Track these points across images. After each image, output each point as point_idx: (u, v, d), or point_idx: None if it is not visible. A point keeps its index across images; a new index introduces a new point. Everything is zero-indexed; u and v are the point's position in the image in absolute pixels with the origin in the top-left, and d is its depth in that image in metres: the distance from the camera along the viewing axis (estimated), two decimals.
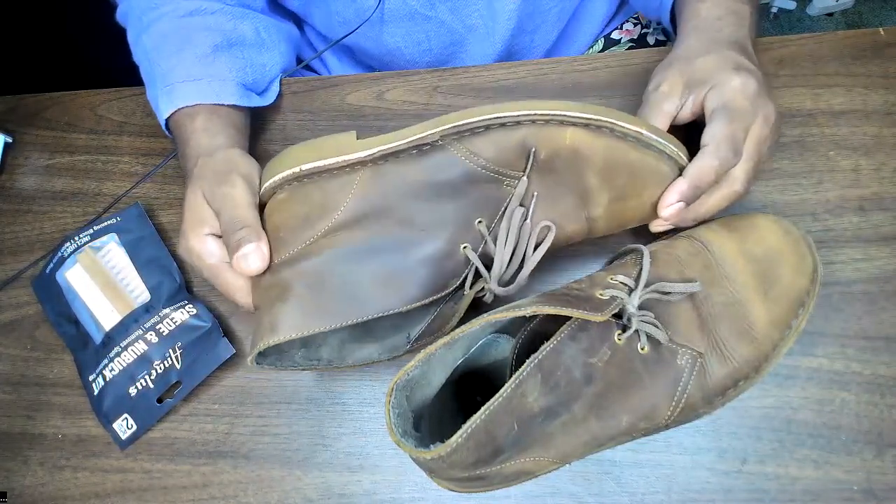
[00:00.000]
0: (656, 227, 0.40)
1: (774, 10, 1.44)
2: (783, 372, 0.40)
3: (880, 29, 0.49)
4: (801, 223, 0.44)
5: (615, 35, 0.66)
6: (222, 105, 0.48)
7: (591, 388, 0.32)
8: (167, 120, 0.48)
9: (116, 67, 0.58)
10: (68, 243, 0.49)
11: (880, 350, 0.40)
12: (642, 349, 0.34)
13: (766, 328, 0.36)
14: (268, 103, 0.53)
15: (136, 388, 0.44)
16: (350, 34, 0.55)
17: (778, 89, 0.48)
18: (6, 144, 0.56)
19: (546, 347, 0.32)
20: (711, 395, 0.35)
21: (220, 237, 0.40)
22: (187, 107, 0.47)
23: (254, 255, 0.38)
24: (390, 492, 0.41)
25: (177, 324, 0.45)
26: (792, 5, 1.43)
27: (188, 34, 0.49)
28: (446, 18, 0.55)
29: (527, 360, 0.31)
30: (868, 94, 0.47)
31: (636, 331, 0.33)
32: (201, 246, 0.40)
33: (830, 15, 1.44)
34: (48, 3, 0.89)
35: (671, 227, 0.40)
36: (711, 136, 0.37)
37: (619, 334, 0.33)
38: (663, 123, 0.40)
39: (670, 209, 0.37)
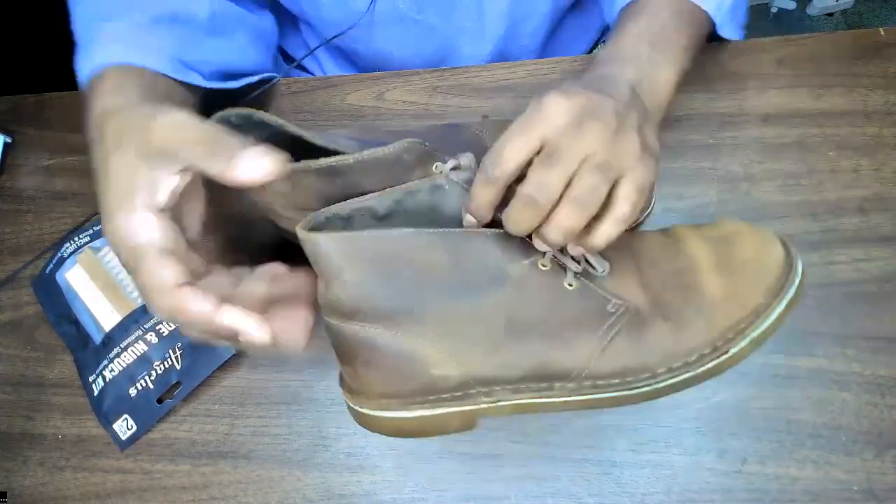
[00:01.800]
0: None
1: (774, 10, 1.44)
2: (783, 372, 0.40)
3: (880, 29, 0.49)
4: (801, 223, 0.44)
5: None
6: (158, 74, 0.41)
7: (503, 292, 0.32)
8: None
9: None
10: (68, 244, 0.49)
11: (881, 350, 0.40)
12: (570, 285, 0.33)
13: (720, 302, 0.33)
14: (220, 87, 0.47)
15: (136, 388, 0.44)
16: (339, 36, 0.54)
17: (778, 89, 0.48)
18: (6, 144, 0.56)
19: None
20: (653, 361, 0.33)
21: (154, 213, 0.29)
22: (113, 67, 0.39)
23: (265, 159, 0.28)
24: (390, 492, 0.41)
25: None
26: (792, 5, 1.43)
27: (131, 2, 0.43)
28: (435, 22, 0.55)
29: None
30: (868, 94, 0.47)
31: (562, 265, 0.33)
32: (128, 222, 0.29)
33: (830, 15, 1.44)
34: (48, 3, 0.89)
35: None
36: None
37: (541, 259, 0.32)
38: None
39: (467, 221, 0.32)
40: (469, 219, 0.32)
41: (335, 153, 0.35)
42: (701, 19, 0.42)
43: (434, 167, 0.37)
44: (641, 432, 0.40)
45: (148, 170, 0.29)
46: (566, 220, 0.30)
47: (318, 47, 0.60)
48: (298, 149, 0.35)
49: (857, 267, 0.42)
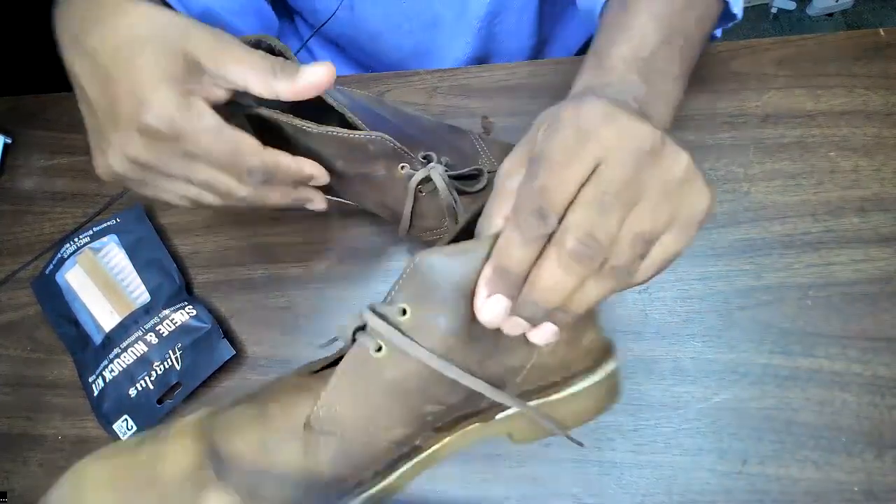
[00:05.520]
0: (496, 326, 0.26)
1: (774, 10, 1.44)
2: (783, 373, 0.40)
3: (880, 29, 0.49)
4: (801, 224, 0.44)
5: None
6: None
7: None
8: None
9: None
10: (68, 244, 0.49)
11: (881, 351, 0.40)
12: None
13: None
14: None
15: (136, 389, 0.43)
16: (329, 19, 0.54)
17: (778, 90, 0.48)
18: (6, 145, 0.56)
19: None
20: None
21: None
22: None
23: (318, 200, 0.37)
24: None
25: (177, 325, 0.44)
26: (792, 5, 1.43)
27: None
28: None
29: None
30: (868, 94, 0.47)
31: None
32: (188, 96, 0.30)
33: (830, 15, 1.44)
34: (48, 4, 0.89)
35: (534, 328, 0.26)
36: (518, 185, 0.25)
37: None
38: (505, 209, 0.26)
39: (487, 310, 0.24)
40: (493, 309, 0.24)
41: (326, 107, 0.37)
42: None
43: (399, 167, 0.38)
44: (642, 433, 0.40)
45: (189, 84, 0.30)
46: (593, 292, 0.23)
47: (312, 35, 0.60)
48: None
49: (856, 267, 0.42)
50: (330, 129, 0.36)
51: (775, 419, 0.39)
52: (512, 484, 0.40)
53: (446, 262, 0.24)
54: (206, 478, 0.27)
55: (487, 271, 0.24)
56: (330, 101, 0.37)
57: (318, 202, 0.38)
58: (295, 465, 0.27)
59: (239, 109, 0.36)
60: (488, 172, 0.41)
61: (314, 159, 0.36)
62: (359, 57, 0.64)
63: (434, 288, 0.25)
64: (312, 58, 0.68)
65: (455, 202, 0.39)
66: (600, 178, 0.23)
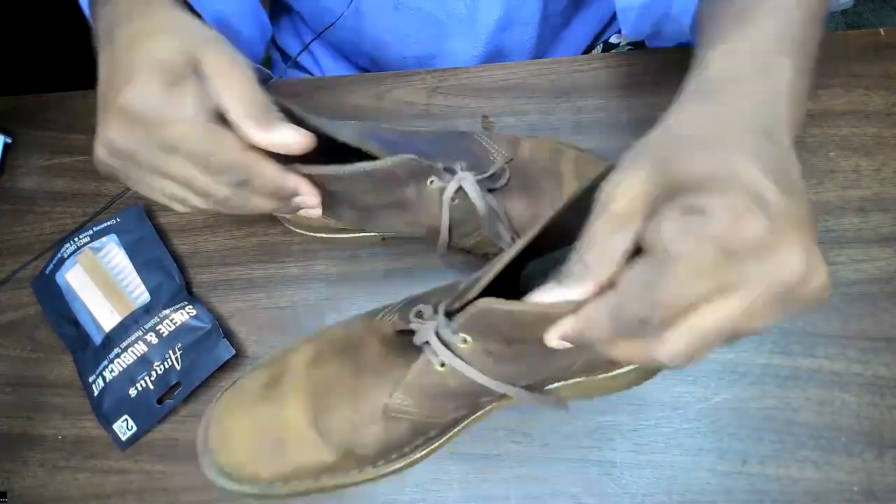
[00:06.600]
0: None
1: None
2: (783, 373, 0.40)
3: (880, 29, 0.49)
4: None
5: (613, 39, 0.65)
6: None
7: None
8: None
9: None
10: (68, 244, 0.49)
11: (881, 351, 0.40)
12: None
13: None
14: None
15: (136, 389, 0.43)
16: (332, 25, 0.54)
17: None
18: (6, 145, 0.56)
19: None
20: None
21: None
22: None
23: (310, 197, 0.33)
24: (390, 492, 0.41)
25: (177, 325, 0.44)
26: None
27: None
28: (430, 8, 0.55)
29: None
30: (868, 94, 0.47)
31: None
32: (184, 91, 0.29)
33: (830, 15, 1.45)
34: (48, 3, 0.89)
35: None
36: (634, 279, 0.22)
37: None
38: (607, 269, 0.23)
39: (559, 345, 0.25)
40: (564, 346, 0.25)
41: (333, 140, 0.36)
42: None
43: (429, 182, 0.37)
44: (642, 433, 0.40)
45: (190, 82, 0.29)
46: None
47: (313, 39, 0.60)
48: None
49: (857, 267, 0.42)
50: (359, 165, 0.34)
51: (775, 419, 0.39)
52: (512, 484, 0.40)
53: (506, 312, 0.26)
54: (313, 439, 0.34)
55: (567, 326, 0.24)
56: (341, 138, 0.35)
57: (314, 210, 0.36)
58: (375, 440, 0.34)
59: None
60: (506, 164, 0.41)
61: (345, 203, 0.36)
62: (360, 62, 0.64)
63: (493, 329, 0.29)
64: (314, 60, 0.67)
65: (490, 206, 0.39)
66: (728, 306, 0.20)
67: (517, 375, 0.32)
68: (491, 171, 0.40)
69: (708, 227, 0.20)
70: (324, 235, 0.47)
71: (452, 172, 0.39)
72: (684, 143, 0.23)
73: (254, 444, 0.34)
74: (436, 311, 0.32)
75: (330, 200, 0.36)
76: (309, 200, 0.34)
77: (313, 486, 0.35)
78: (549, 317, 0.24)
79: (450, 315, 0.32)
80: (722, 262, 0.20)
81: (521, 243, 0.28)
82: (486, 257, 0.42)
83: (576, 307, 0.23)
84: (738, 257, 0.20)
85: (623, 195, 0.22)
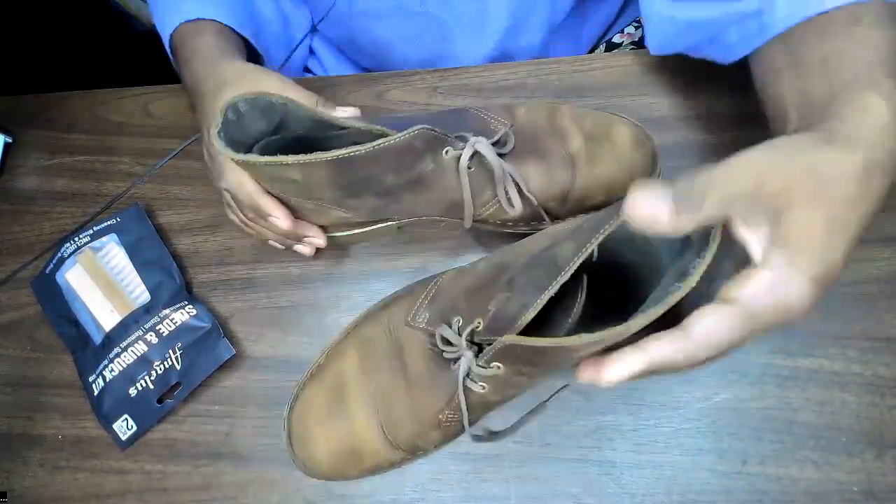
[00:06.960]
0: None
1: None
2: (783, 373, 0.40)
3: None
4: None
5: (616, 39, 0.65)
6: (231, 31, 0.48)
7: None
8: (171, 43, 0.48)
9: (116, 68, 0.58)
10: (68, 244, 0.49)
11: (881, 351, 0.40)
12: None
13: None
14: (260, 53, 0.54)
15: (136, 388, 0.43)
16: (325, 18, 0.54)
17: None
18: (6, 144, 0.56)
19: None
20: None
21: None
22: (193, 22, 0.47)
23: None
24: (390, 493, 0.41)
25: (177, 324, 0.44)
26: None
27: None
28: (436, 12, 0.55)
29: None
30: None
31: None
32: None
33: None
34: (48, 3, 0.89)
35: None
36: (714, 330, 0.25)
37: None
38: (700, 215, 0.27)
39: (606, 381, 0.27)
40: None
41: (342, 128, 0.37)
42: None
43: (444, 152, 0.37)
44: (641, 433, 0.40)
45: None
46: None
47: (308, 33, 0.60)
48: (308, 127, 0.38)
49: (856, 267, 0.42)
50: (378, 141, 0.35)
51: (775, 419, 0.39)
52: (512, 484, 0.40)
53: (536, 347, 0.29)
54: (384, 447, 0.38)
55: (636, 368, 0.26)
56: (355, 123, 0.37)
57: (308, 249, 0.45)
58: (436, 440, 0.38)
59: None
60: (509, 129, 0.42)
61: (366, 191, 0.38)
62: (366, 62, 0.64)
63: (520, 358, 0.32)
64: (315, 58, 0.67)
65: (504, 170, 0.39)
66: (756, 323, 0.25)
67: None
68: (497, 137, 0.40)
69: (780, 302, 0.25)
70: (338, 234, 0.46)
71: (464, 140, 0.39)
72: (824, 192, 0.26)
73: (334, 458, 0.38)
74: (459, 334, 0.35)
75: (351, 191, 0.37)
76: (319, 243, 0.44)
77: (380, 471, 0.40)
78: (572, 349, 0.28)
79: (474, 341, 0.35)
80: (772, 324, 0.26)
81: (562, 277, 0.31)
82: (506, 225, 0.43)
83: (599, 343, 0.27)
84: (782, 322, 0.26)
85: (758, 178, 0.29)
